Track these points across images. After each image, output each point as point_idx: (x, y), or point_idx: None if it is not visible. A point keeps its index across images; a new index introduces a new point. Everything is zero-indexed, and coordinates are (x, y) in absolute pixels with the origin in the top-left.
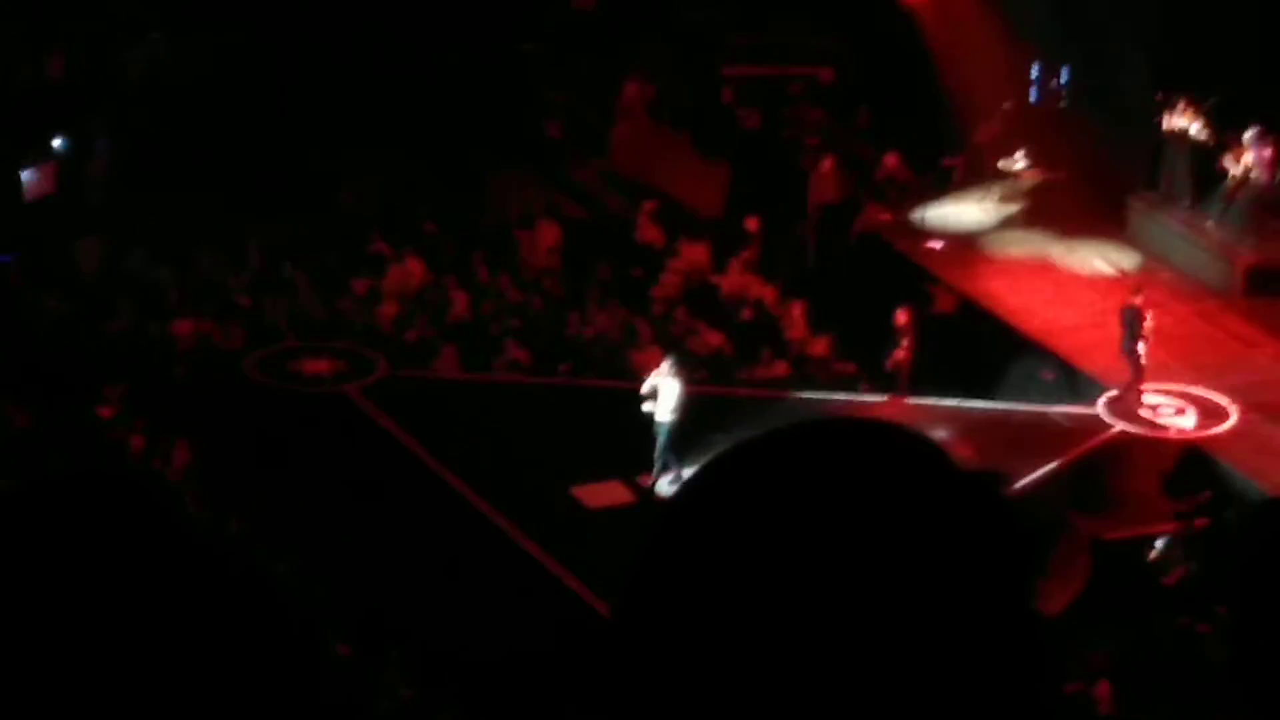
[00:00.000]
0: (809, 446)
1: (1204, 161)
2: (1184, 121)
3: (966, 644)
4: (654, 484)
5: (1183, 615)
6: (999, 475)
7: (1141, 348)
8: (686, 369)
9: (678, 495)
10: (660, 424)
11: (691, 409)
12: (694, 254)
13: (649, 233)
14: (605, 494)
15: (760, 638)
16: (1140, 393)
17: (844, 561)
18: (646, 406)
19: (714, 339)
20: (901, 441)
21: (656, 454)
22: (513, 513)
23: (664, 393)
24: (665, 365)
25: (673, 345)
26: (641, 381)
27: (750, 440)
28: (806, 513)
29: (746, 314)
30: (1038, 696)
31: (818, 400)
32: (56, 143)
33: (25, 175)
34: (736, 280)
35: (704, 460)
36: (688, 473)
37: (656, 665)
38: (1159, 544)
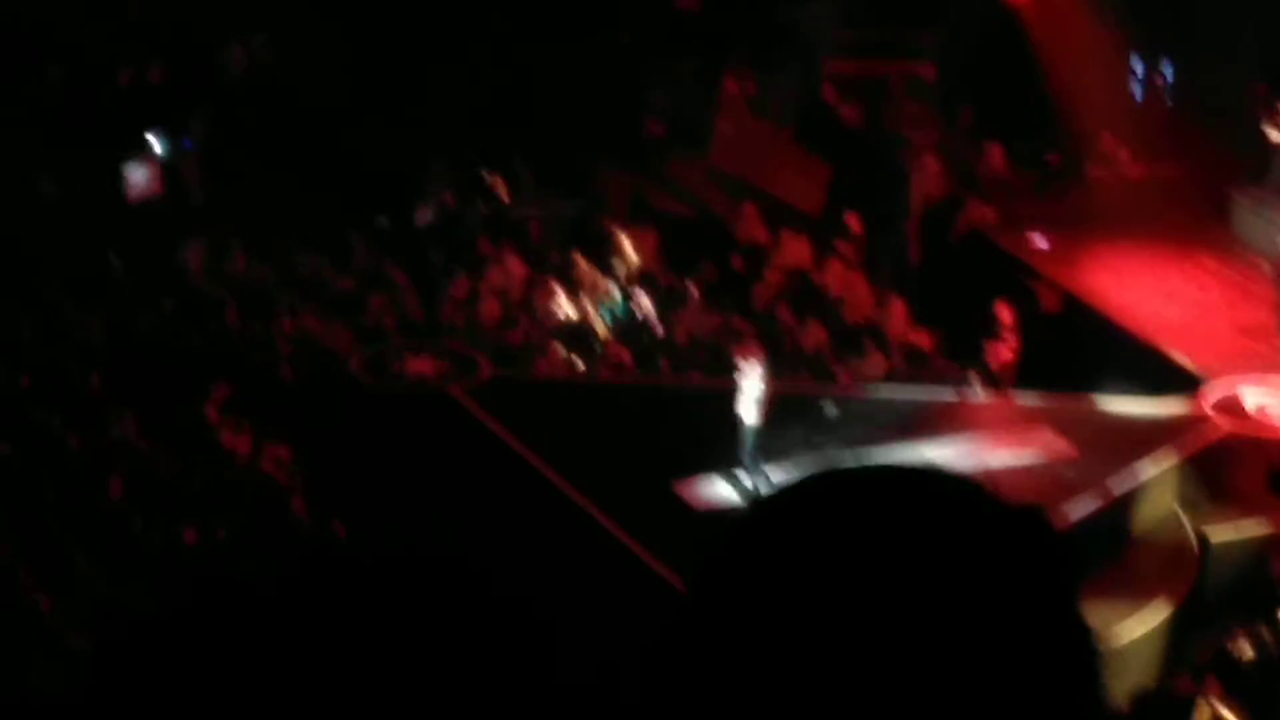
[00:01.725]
0: (858, 493)
1: None
2: None
3: (1023, 668)
4: (750, 483)
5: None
6: (1041, 508)
7: None
8: (773, 370)
9: (734, 531)
10: (745, 425)
11: (786, 408)
12: (796, 251)
13: (751, 230)
14: (708, 491)
15: (815, 671)
16: None
17: (901, 600)
18: (740, 408)
19: (817, 337)
20: (942, 484)
21: (749, 461)
22: (616, 511)
23: (749, 393)
24: (753, 366)
25: (774, 343)
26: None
27: (797, 485)
28: (859, 555)
29: (849, 312)
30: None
31: (922, 399)
32: (156, 144)
33: (130, 176)
34: (839, 278)
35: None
36: (771, 474)
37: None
38: None
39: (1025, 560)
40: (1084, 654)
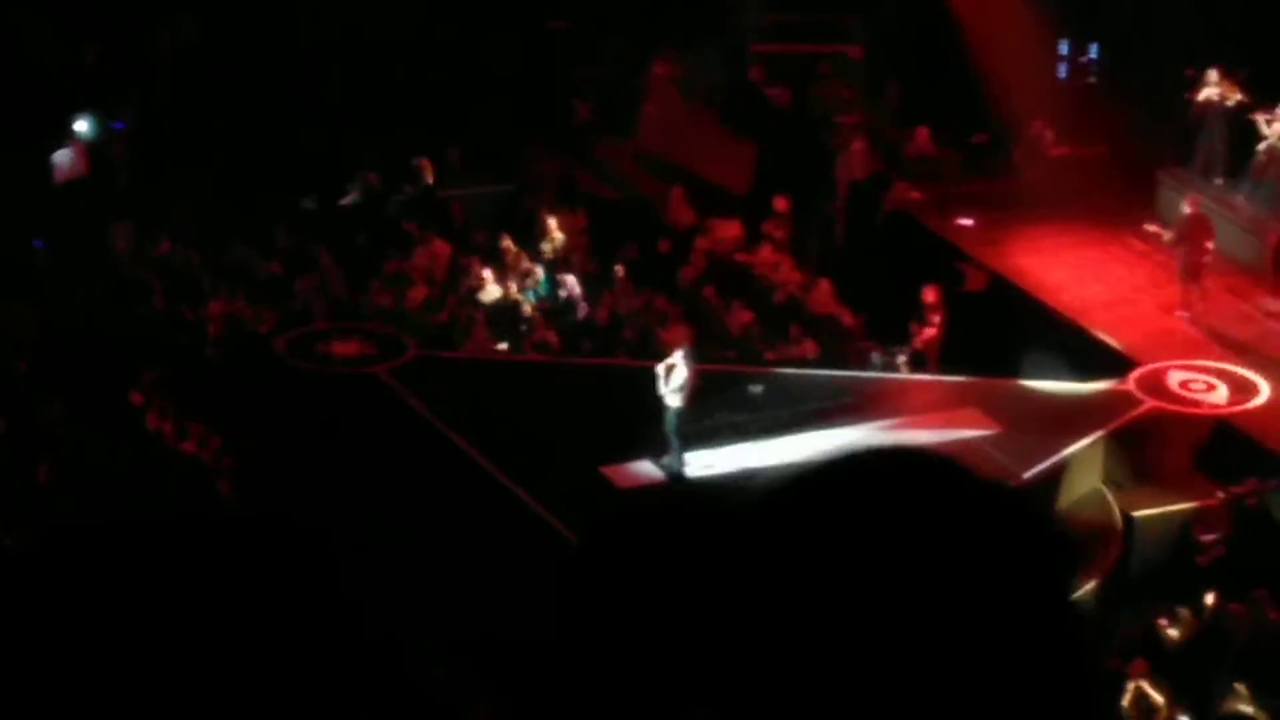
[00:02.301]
0: (856, 478)
1: (1237, 135)
2: (1216, 92)
3: (1017, 644)
4: (670, 464)
5: (1216, 593)
6: (1031, 490)
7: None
8: (699, 354)
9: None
10: (668, 407)
11: (711, 389)
12: (723, 233)
13: (678, 212)
14: (635, 474)
15: (829, 650)
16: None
17: (899, 580)
18: (662, 387)
19: (743, 318)
20: (939, 467)
21: (671, 435)
22: (542, 493)
23: (675, 376)
24: (679, 354)
25: (701, 324)
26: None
27: (805, 474)
28: (857, 539)
29: (776, 293)
30: (1082, 690)
31: (846, 378)
32: (83, 126)
33: (56, 158)
34: (766, 259)
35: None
36: (688, 457)
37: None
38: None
39: (1012, 541)
40: (1078, 650)
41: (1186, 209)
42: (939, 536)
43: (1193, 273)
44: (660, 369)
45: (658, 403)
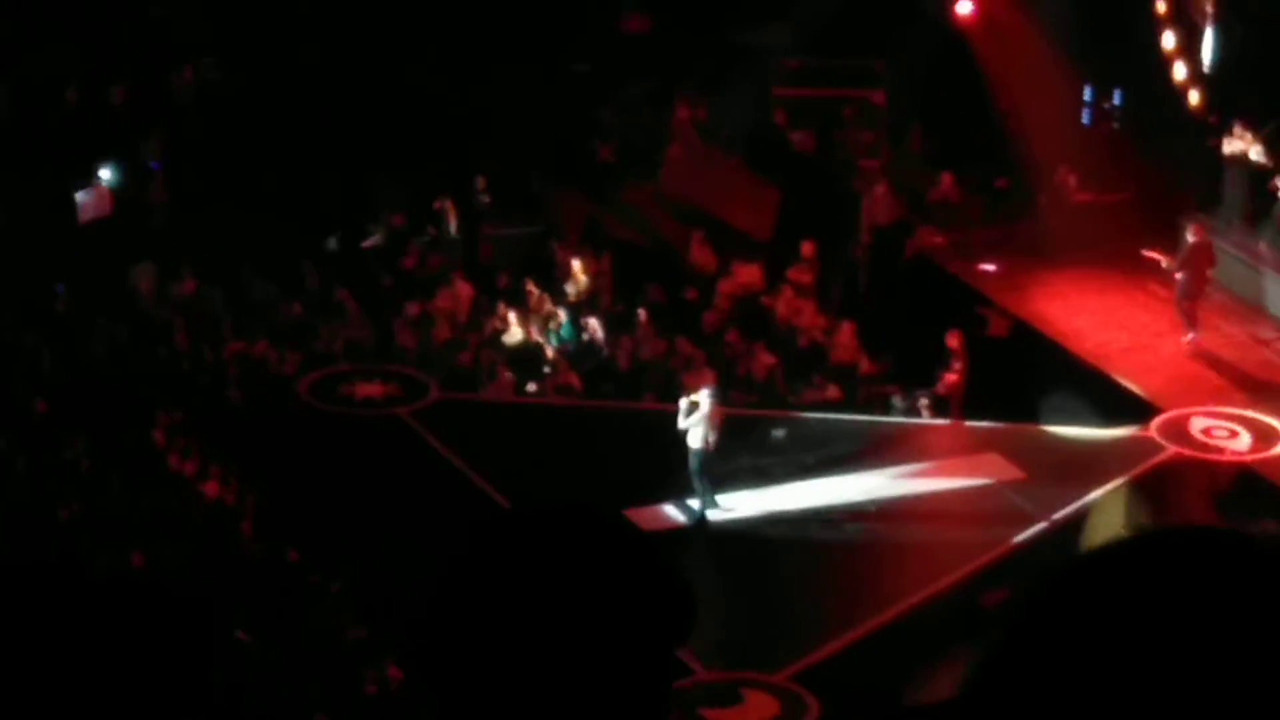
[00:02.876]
0: (1171, 557)
1: (1260, 184)
2: (1241, 145)
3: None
4: (699, 508)
5: None
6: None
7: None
8: (723, 395)
9: (1037, 605)
10: (691, 450)
11: (734, 432)
12: (745, 277)
13: (700, 255)
14: (656, 517)
15: None
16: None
17: (1215, 675)
18: (681, 421)
19: (766, 361)
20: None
21: (694, 479)
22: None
23: (700, 413)
24: (705, 392)
25: (724, 368)
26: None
27: (1110, 548)
28: (1174, 626)
29: (799, 337)
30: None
31: (868, 423)
32: (107, 169)
33: (79, 198)
34: (789, 303)
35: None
36: (718, 499)
37: None
38: None
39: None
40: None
41: (1190, 236)
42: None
43: (1191, 298)
44: (683, 403)
45: (682, 446)
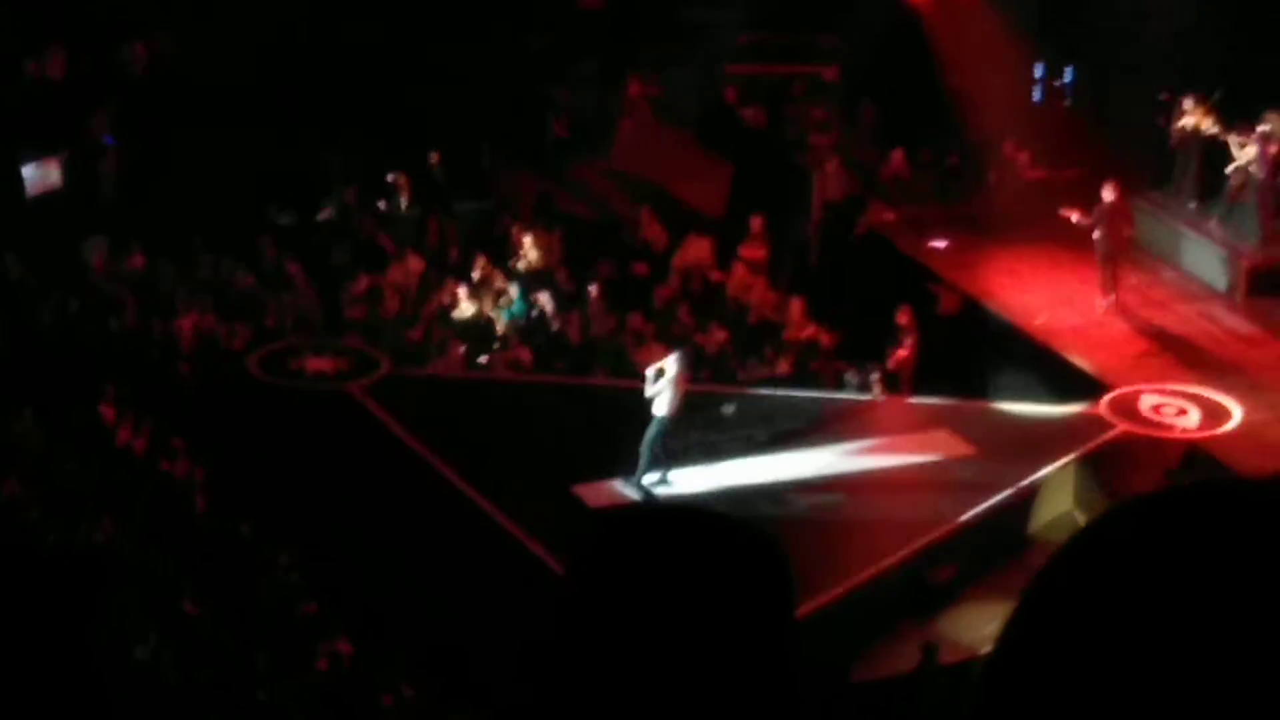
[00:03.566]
0: (1184, 520)
1: (1212, 161)
2: (1192, 120)
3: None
4: (638, 477)
5: None
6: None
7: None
8: (692, 366)
9: (1053, 571)
10: (656, 418)
11: (689, 407)
12: (697, 252)
13: (652, 231)
14: (607, 493)
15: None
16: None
17: (1231, 637)
18: (648, 389)
19: (717, 337)
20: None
21: (643, 446)
22: (515, 511)
23: (665, 380)
24: (672, 359)
25: (675, 344)
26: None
27: (1119, 510)
28: (1191, 589)
29: (750, 313)
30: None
31: (819, 399)
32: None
33: (28, 171)
34: (739, 279)
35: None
36: (672, 474)
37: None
38: None
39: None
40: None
41: (1107, 195)
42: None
43: (1110, 259)
44: (650, 371)
45: (632, 422)
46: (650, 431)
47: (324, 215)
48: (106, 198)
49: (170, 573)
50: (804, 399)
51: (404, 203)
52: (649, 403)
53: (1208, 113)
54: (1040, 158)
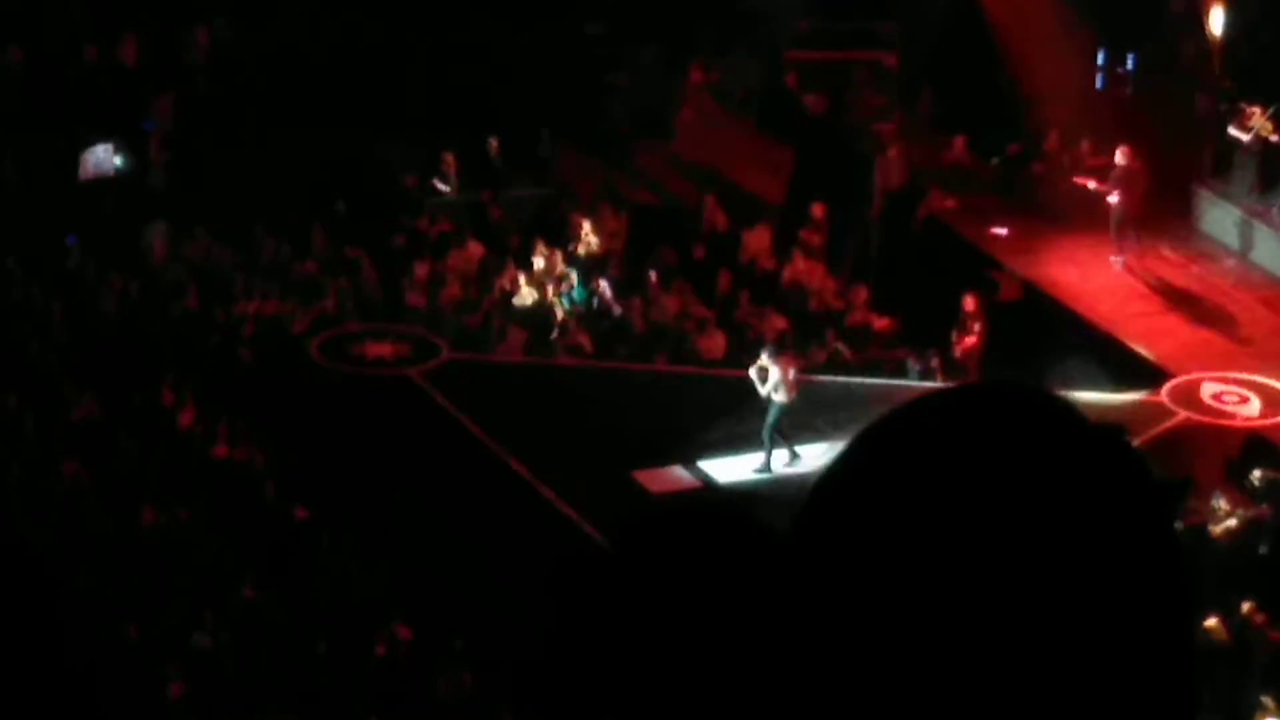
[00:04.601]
0: (957, 413)
1: (1272, 151)
2: (1257, 128)
3: (1126, 585)
4: (765, 464)
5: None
6: (1125, 429)
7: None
8: (790, 351)
9: (836, 466)
10: (773, 405)
11: (746, 394)
12: (758, 240)
13: (713, 218)
14: (667, 479)
15: (928, 602)
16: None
17: (1004, 524)
18: (761, 390)
19: (778, 324)
20: (1042, 403)
21: (764, 433)
22: (575, 498)
23: (772, 375)
24: (765, 356)
25: (736, 331)
26: (704, 365)
27: (899, 411)
28: (963, 478)
29: (810, 300)
30: (1186, 633)
31: (883, 386)
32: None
33: (89, 156)
34: (801, 266)
35: (856, 433)
36: (800, 451)
37: (824, 618)
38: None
39: (1128, 482)
40: (1181, 579)
41: (1120, 159)
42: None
43: (1124, 222)
44: (753, 372)
45: (697, 404)
46: (770, 418)
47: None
48: (154, 183)
49: (231, 559)
50: (866, 385)
51: (457, 188)
52: (766, 399)
53: (1272, 123)
54: (1102, 146)
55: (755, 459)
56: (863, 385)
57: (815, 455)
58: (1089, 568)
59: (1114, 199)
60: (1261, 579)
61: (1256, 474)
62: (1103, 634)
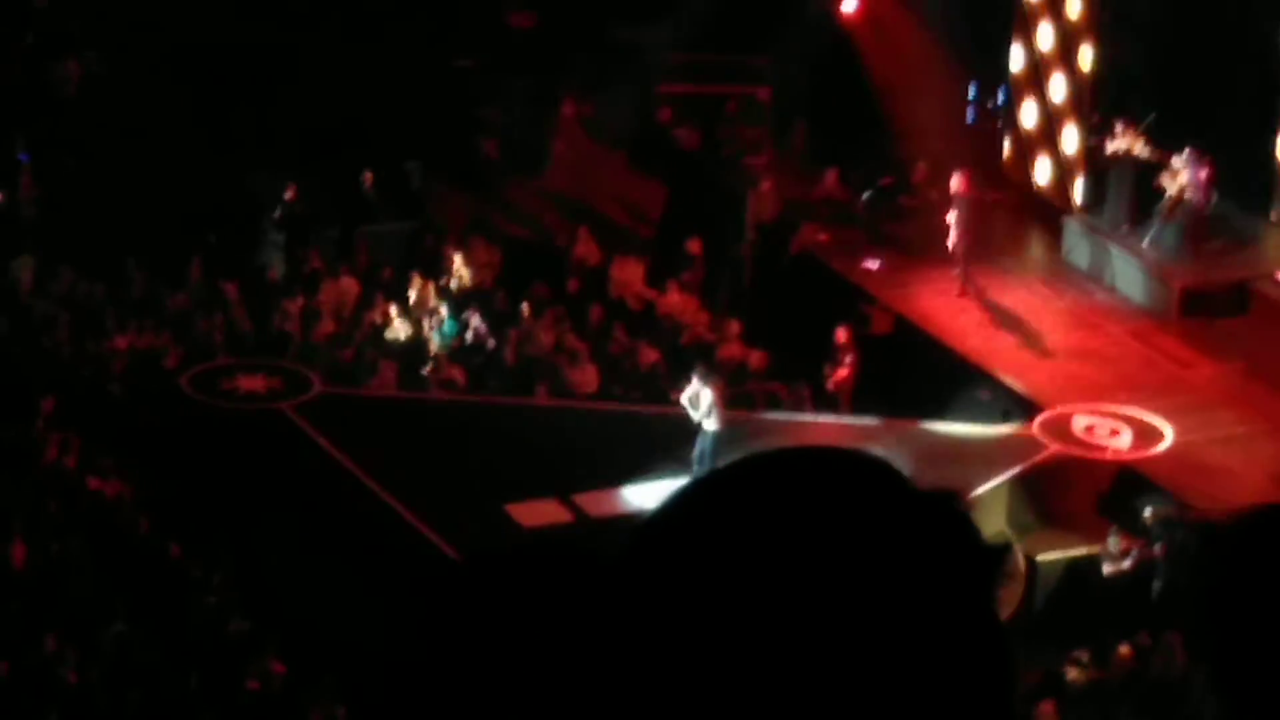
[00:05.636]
0: (782, 474)
1: (1143, 182)
2: (1124, 143)
3: (938, 654)
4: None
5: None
6: (956, 493)
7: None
8: (717, 376)
9: (655, 518)
10: (705, 432)
11: (618, 427)
12: (631, 273)
13: (586, 251)
14: (540, 512)
15: (742, 665)
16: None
17: (820, 581)
18: (694, 416)
19: (650, 357)
20: (864, 466)
21: (695, 458)
22: (447, 531)
23: (704, 399)
24: (696, 374)
25: (609, 364)
26: (577, 398)
27: (726, 468)
28: (782, 538)
29: (683, 333)
30: (1005, 705)
31: (754, 420)
32: None
33: None
34: (674, 299)
35: (679, 488)
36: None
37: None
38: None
39: (946, 549)
40: (1000, 650)
41: (955, 186)
42: (856, 541)
43: (962, 250)
44: (684, 399)
45: (566, 442)
46: (704, 446)
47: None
48: (26, 216)
49: (103, 593)
50: (736, 419)
51: (332, 221)
52: (697, 426)
53: (1139, 136)
54: (973, 178)
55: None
56: (734, 418)
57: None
58: (904, 633)
59: (951, 224)
60: (1153, 617)
61: (1148, 511)
62: (915, 702)
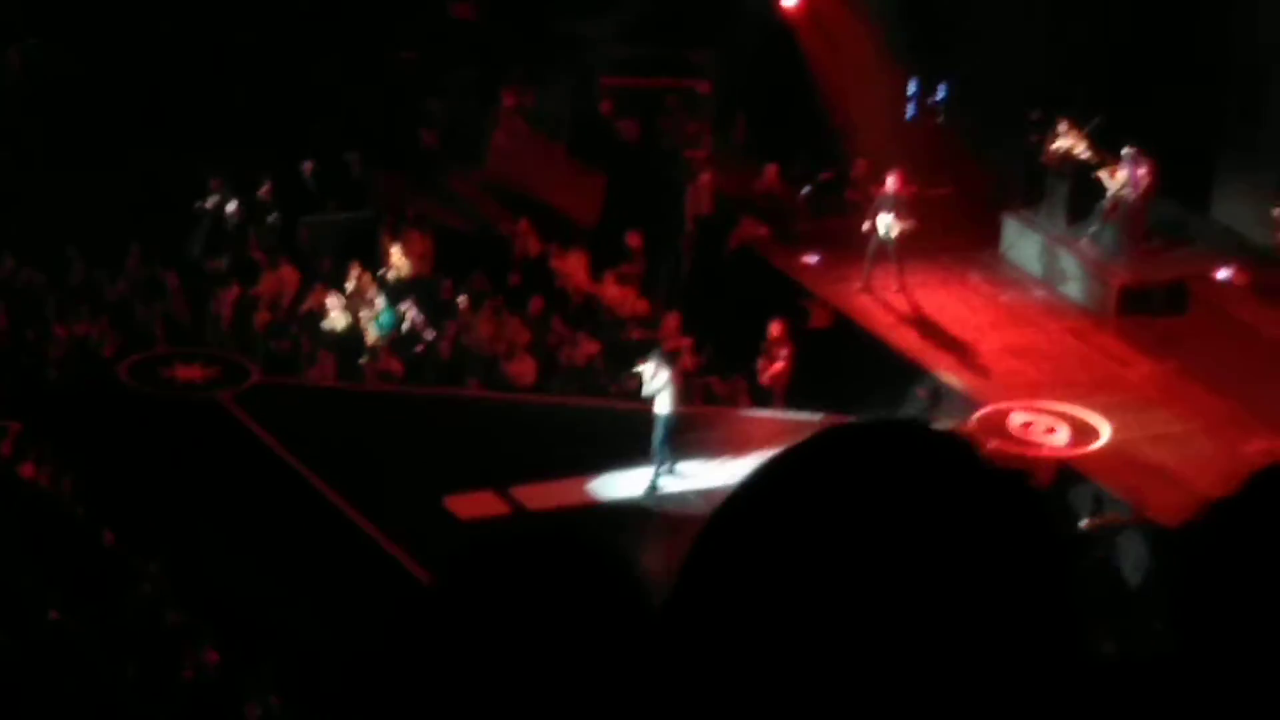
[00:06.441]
0: (852, 451)
1: (1083, 180)
2: (1066, 142)
3: (1012, 637)
4: (654, 478)
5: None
6: (1026, 473)
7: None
8: (672, 360)
9: (724, 508)
10: (659, 416)
11: (555, 421)
12: (571, 264)
13: (526, 242)
14: (477, 504)
15: (813, 641)
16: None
17: (895, 565)
18: (646, 386)
19: (589, 350)
20: (939, 442)
21: (656, 448)
22: (384, 522)
23: (660, 376)
24: (652, 357)
25: (547, 356)
26: (514, 390)
27: (796, 446)
28: (857, 519)
29: (622, 326)
30: (1077, 687)
31: (691, 413)
32: None
33: None
34: (613, 291)
35: (750, 470)
36: (678, 467)
37: (707, 662)
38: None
39: (1027, 531)
40: (1075, 634)
41: (889, 185)
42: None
43: (881, 249)
44: (644, 369)
45: (502, 434)
46: (659, 432)
47: (201, 206)
48: None
49: (36, 582)
50: (677, 414)
51: (272, 211)
52: (650, 402)
53: (1081, 138)
54: (912, 174)
55: (639, 476)
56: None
57: (634, 481)
58: (982, 616)
59: (866, 226)
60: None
61: (1084, 522)
62: (993, 688)
